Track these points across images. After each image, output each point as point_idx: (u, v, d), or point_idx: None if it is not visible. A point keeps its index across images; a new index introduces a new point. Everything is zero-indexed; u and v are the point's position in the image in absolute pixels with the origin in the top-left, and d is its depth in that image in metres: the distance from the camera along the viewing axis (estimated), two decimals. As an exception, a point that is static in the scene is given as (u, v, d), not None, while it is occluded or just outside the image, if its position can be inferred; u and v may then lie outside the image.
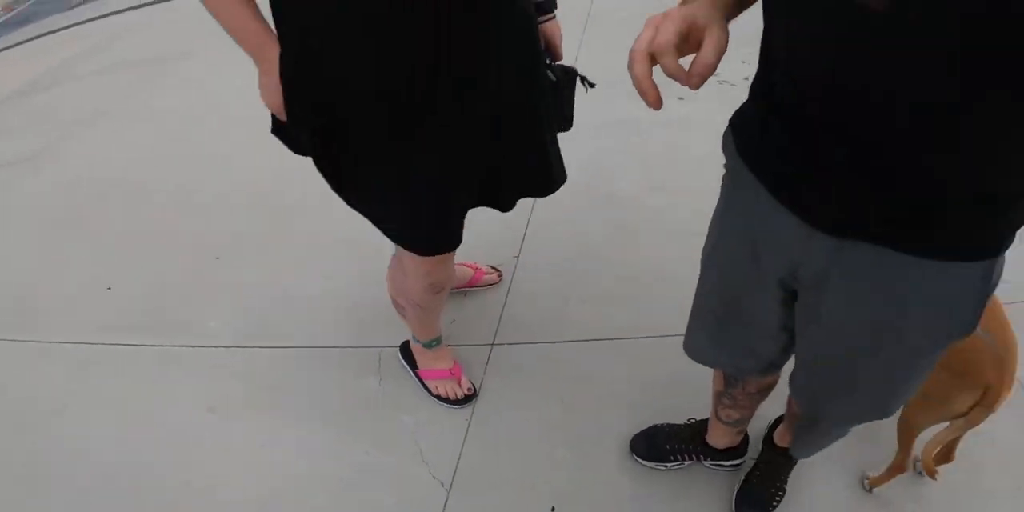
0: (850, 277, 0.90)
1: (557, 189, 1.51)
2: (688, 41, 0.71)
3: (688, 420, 1.68)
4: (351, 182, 1.29)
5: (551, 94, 1.46)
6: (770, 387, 1.38)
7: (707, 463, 1.64)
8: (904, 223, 0.81)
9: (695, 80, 0.68)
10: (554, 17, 1.53)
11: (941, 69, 0.64)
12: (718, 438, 1.58)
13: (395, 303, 1.65)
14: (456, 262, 1.65)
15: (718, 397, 1.45)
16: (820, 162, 0.82)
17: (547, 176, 1.48)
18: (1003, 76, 0.62)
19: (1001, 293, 1.00)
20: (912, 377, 1.05)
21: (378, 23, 1.09)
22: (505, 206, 1.48)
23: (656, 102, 0.69)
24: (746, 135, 0.97)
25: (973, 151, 0.71)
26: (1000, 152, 0.70)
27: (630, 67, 0.69)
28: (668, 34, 0.68)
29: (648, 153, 2.63)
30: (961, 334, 0.93)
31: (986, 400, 1.33)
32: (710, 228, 1.13)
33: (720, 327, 1.20)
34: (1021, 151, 0.70)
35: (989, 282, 0.87)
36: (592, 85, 1.60)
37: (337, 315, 1.75)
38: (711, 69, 0.68)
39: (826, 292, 0.95)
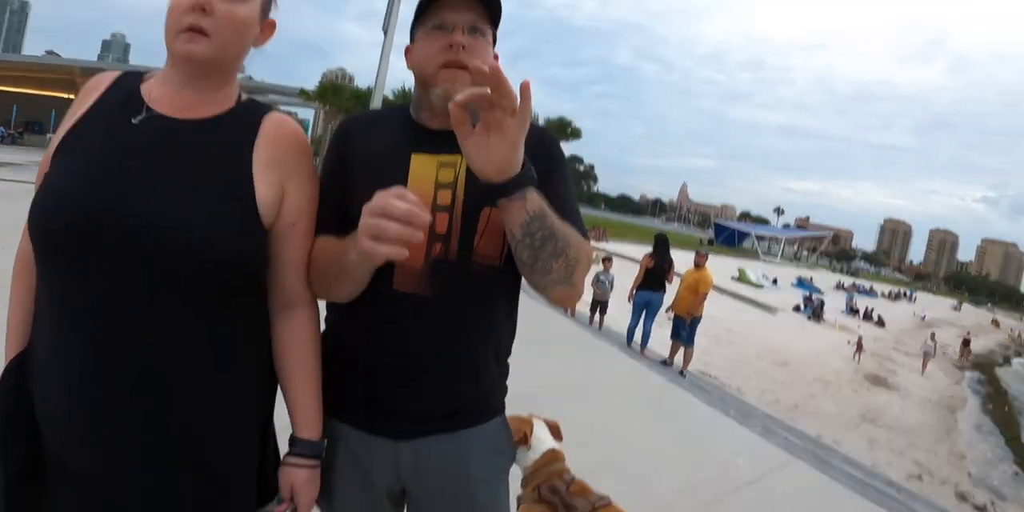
0: (428, 459, 1.32)
1: None
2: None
3: None
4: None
5: None
6: None
7: None
8: (442, 418, 1.30)
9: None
10: (317, 465, 1.35)
11: (455, 329, 1.17)
12: None
13: None
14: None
15: None
16: (378, 399, 1.29)
17: None
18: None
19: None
20: (501, 505, 1.43)
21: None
22: None
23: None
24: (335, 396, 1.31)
25: (448, 373, 1.26)
26: (468, 370, 1.28)
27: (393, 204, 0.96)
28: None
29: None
30: (510, 462, 1.47)
31: None
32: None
33: None
34: (472, 371, 1.29)
35: (509, 428, 1.42)
36: None
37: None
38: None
39: (421, 475, 1.33)
